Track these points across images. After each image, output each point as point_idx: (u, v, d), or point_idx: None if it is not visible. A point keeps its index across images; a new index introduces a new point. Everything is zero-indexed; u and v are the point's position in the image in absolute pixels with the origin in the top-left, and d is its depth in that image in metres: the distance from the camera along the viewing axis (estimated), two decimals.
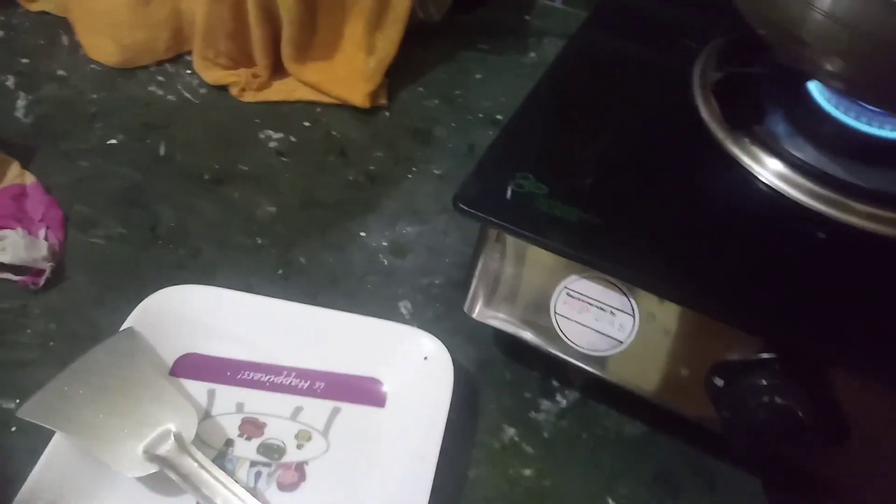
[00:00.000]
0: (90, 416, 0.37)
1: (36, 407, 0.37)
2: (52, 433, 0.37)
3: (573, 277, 0.37)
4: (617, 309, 0.37)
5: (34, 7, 0.66)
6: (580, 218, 0.37)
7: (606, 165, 0.41)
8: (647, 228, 0.37)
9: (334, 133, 0.58)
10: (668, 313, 0.36)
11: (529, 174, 0.39)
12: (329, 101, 0.60)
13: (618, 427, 0.42)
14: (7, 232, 0.46)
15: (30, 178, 0.51)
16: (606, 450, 0.41)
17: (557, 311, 0.38)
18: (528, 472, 0.40)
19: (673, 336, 0.36)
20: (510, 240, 0.38)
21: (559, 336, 0.38)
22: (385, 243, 0.50)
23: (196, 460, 0.36)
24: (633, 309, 0.36)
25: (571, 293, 0.37)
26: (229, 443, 0.39)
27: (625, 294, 0.36)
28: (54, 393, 0.38)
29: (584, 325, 0.38)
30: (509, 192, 0.38)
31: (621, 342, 0.37)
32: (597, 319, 0.37)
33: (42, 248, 0.46)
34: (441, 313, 0.46)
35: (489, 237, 0.39)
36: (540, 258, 0.38)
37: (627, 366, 0.38)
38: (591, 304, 0.37)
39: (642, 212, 0.38)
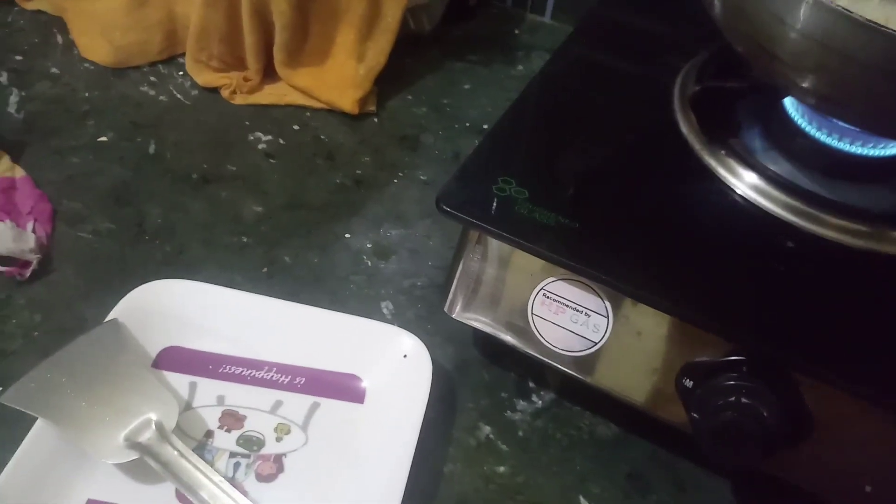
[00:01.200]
0: (72, 403, 0.38)
1: (18, 393, 0.37)
2: (32, 422, 0.37)
3: (550, 279, 0.38)
4: (592, 311, 0.38)
5: (30, 6, 0.67)
6: (559, 222, 0.38)
7: (587, 173, 0.42)
8: (624, 235, 0.38)
9: (323, 137, 0.59)
10: (642, 316, 0.37)
11: (511, 178, 0.40)
12: (318, 105, 0.61)
13: (591, 428, 0.43)
14: None
15: (20, 172, 0.51)
16: (580, 449, 0.42)
17: (534, 312, 0.39)
18: (502, 469, 0.41)
19: (645, 338, 0.37)
20: (491, 242, 0.39)
21: (536, 336, 0.39)
22: (369, 245, 0.51)
23: (176, 449, 0.37)
24: (607, 311, 0.37)
25: (548, 295, 0.38)
26: (209, 434, 0.40)
27: (600, 297, 0.37)
28: (37, 380, 0.38)
29: (559, 326, 0.39)
30: (491, 196, 0.39)
31: (595, 343, 0.38)
32: (572, 321, 0.38)
33: (29, 240, 0.47)
34: (422, 314, 0.47)
35: (470, 239, 0.40)
36: (519, 260, 0.39)
37: (602, 367, 0.39)
38: (567, 306, 0.38)
39: (619, 219, 0.39)
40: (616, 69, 0.50)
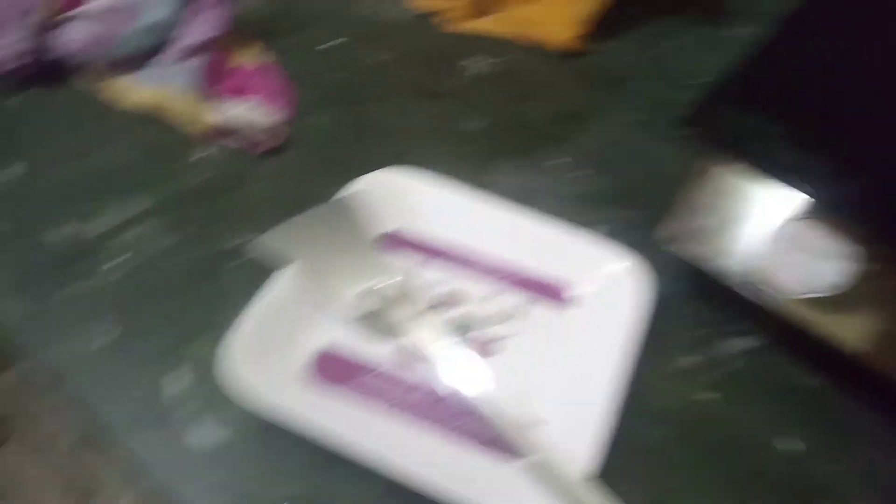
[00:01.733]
0: (310, 258, 0.41)
1: (266, 243, 0.41)
2: (267, 274, 0.41)
3: (794, 217, 0.37)
4: (834, 255, 0.37)
5: None
6: (816, 162, 0.37)
7: (841, 119, 0.40)
8: (884, 187, 0.37)
9: (532, 70, 0.60)
10: (890, 267, 0.36)
11: (764, 110, 0.39)
12: (531, 39, 0.62)
13: (797, 377, 0.42)
14: (243, 100, 0.51)
15: (268, 58, 0.55)
16: (783, 395, 0.41)
17: (768, 251, 0.38)
18: (703, 397, 0.41)
19: (889, 291, 0.36)
20: (724, 172, 0.39)
21: (762, 276, 0.39)
22: (578, 174, 0.52)
23: (400, 313, 0.39)
24: (853, 257, 0.36)
25: (788, 234, 0.38)
26: (427, 311, 0.42)
27: (847, 241, 0.36)
28: (281, 235, 0.42)
29: (793, 267, 0.38)
30: (740, 126, 0.39)
31: (832, 288, 0.37)
32: (811, 263, 0.37)
33: (271, 120, 0.51)
34: (631, 242, 0.47)
35: (702, 168, 0.40)
36: (758, 195, 0.38)
37: (830, 314, 0.38)
38: (806, 247, 0.37)
39: (882, 170, 0.38)
40: (863, 26, 0.48)
